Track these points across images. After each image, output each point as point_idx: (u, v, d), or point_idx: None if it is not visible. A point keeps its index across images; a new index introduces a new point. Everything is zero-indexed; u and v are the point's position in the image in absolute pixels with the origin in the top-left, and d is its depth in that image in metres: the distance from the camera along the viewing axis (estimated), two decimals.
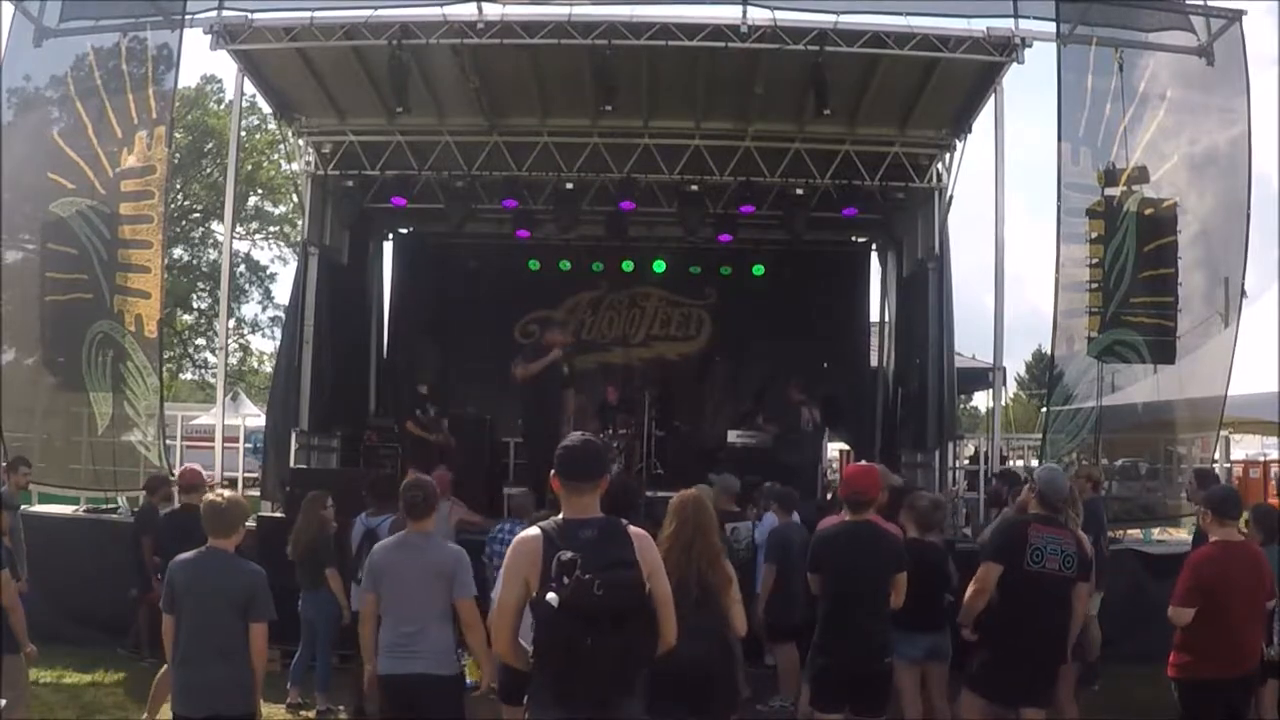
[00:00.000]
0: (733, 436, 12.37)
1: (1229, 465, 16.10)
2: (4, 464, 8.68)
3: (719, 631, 4.59)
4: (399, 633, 4.75)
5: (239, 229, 31.20)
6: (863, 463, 5.81)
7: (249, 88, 11.96)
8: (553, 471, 3.60)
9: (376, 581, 4.83)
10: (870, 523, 5.33)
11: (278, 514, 9.56)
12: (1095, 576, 6.23)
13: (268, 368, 29.84)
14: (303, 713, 7.52)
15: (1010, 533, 5.59)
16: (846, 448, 16.17)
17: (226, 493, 5.11)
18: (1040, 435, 10.79)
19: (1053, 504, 5.52)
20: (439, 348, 14.29)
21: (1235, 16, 9.86)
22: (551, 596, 3.29)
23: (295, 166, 13.16)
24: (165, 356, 21.94)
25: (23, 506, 8.59)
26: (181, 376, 34.88)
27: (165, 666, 6.46)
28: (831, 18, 9.67)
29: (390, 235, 15.10)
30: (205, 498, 5.08)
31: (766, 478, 9.01)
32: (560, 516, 3.56)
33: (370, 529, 7.19)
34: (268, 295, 34.37)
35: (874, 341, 15.49)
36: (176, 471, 8.68)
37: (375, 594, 4.84)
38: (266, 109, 20.64)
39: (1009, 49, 9.88)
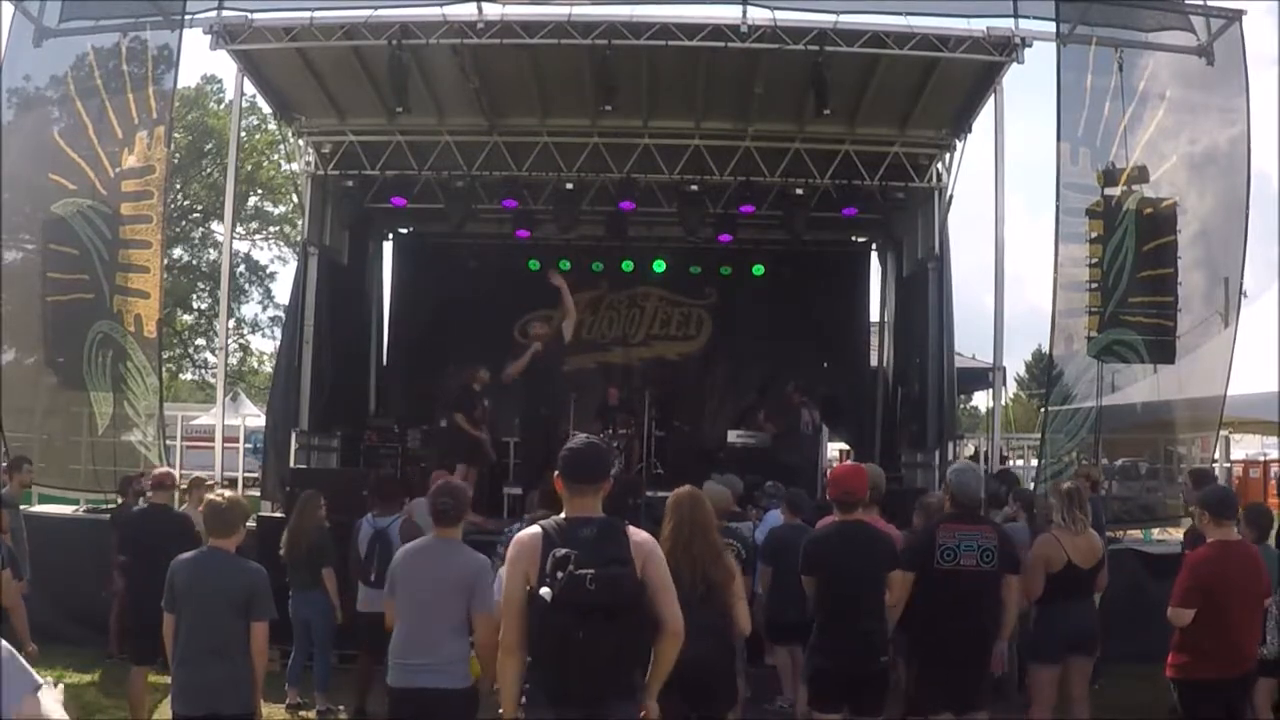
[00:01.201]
0: (733, 436, 12.38)
1: (1229, 465, 16.13)
2: (3, 464, 8.69)
3: (721, 629, 4.60)
4: (410, 643, 4.63)
5: (239, 229, 31.24)
6: (849, 463, 5.81)
7: (249, 88, 11.96)
8: (556, 472, 3.62)
9: (395, 587, 4.72)
10: (862, 522, 5.33)
11: (278, 514, 9.56)
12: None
13: (268, 368, 29.87)
14: (302, 713, 7.52)
15: (918, 537, 5.54)
16: (846, 447, 16.18)
17: (227, 493, 5.11)
18: (1040, 435, 10.80)
19: (963, 502, 5.45)
20: (439, 347, 14.30)
21: (1235, 16, 9.87)
22: (545, 591, 3.34)
23: (295, 166, 13.17)
24: (165, 356, 21.98)
25: (22, 506, 8.60)
26: (181, 376, 34.89)
27: (134, 668, 6.51)
28: (831, 18, 9.67)
29: (390, 235, 15.11)
30: (206, 498, 5.07)
31: (766, 478, 9.02)
32: (562, 515, 3.60)
33: (380, 530, 7.18)
34: (268, 295, 34.42)
35: (874, 341, 15.50)
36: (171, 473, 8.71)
37: (395, 598, 4.73)
38: (266, 109, 20.66)
39: (1009, 49, 9.88)
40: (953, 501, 5.50)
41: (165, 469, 7.53)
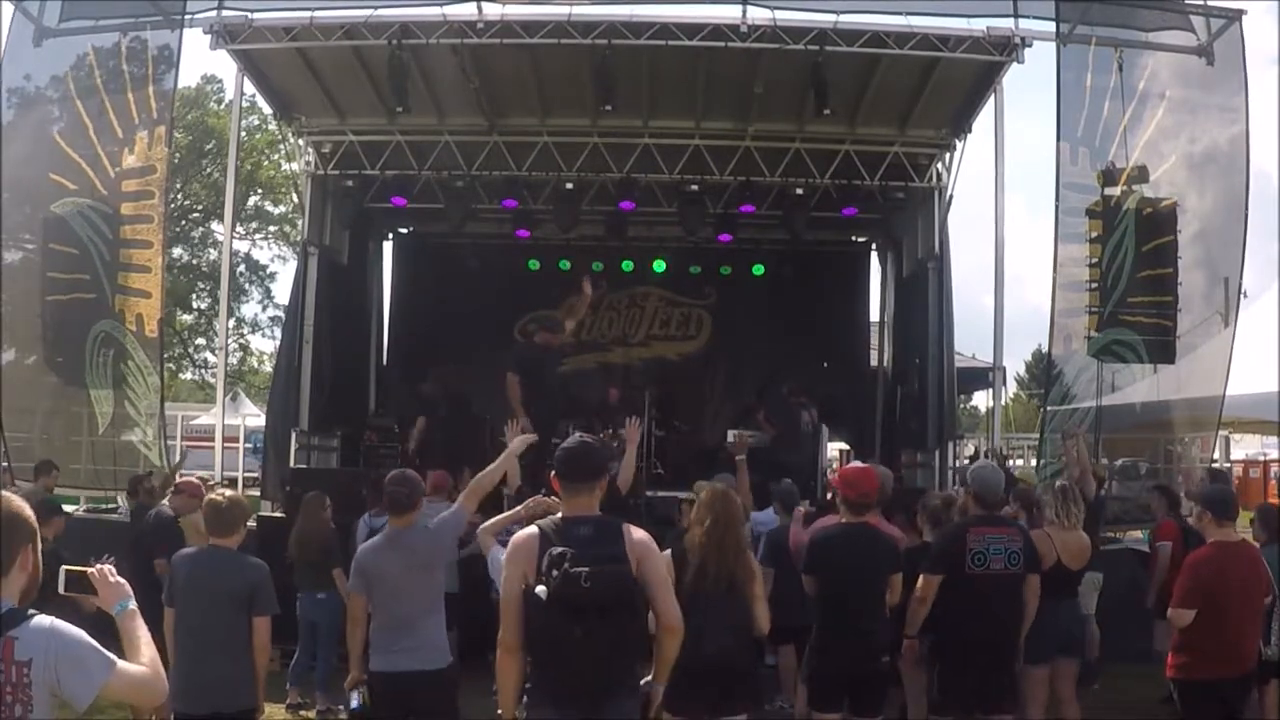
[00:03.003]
0: (732, 436, 12.35)
1: (1229, 465, 16.13)
2: (4, 464, 8.69)
3: (743, 626, 4.59)
4: (387, 630, 4.71)
5: (239, 229, 31.19)
6: (859, 464, 5.80)
7: (249, 88, 11.99)
8: (553, 472, 3.64)
9: (364, 582, 4.80)
10: (866, 524, 5.32)
11: (278, 514, 9.56)
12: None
13: (268, 368, 29.84)
14: (303, 713, 7.52)
15: (947, 540, 5.47)
16: (847, 447, 16.18)
17: (228, 492, 5.11)
18: (1040, 435, 10.80)
19: (990, 502, 5.44)
20: (439, 347, 14.31)
21: (1235, 16, 9.87)
22: (541, 589, 3.37)
23: (295, 166, 13.18)
24: (165, 356, 21.98)
25: None
26: (181, 376, 34.86)
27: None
28: (831, 18, 9.68)
29: (390, 235, 15.11)
30: (207, 497, 5.08)
31: (766, 478, 9.01)
32: (560, 515, 3.61)
33: (375, 529, 7.19)
34: (268, 295, 34.34)
35: (874, 341, 15.51)
36: (178, 473, 8.72)
37: (364, 595, 4.82)
38: (266, 109, 20.66)
39: (1009, 49, 9.89)
40: (978, 500, 5.47)
41: (190, 479, 7.60)
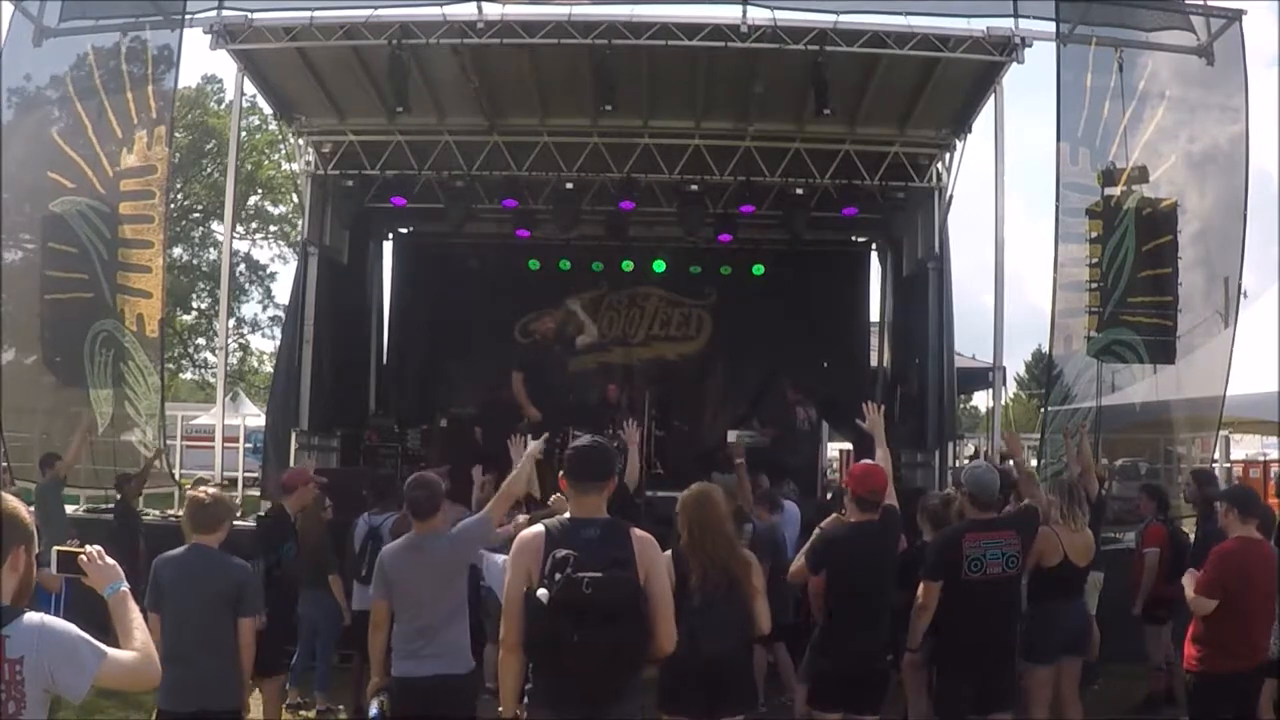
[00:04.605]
0: (732, 437, 12.37)
1: (1229, 465, 16.13)
2: (4, 464, 8.69)
3: (743, 626, 4.55)
4: (410, 637, 4.63)
5: (239, 229, 31.18)
6: (867, 461, 5.79)
7: (249, 88, 11.98)
8: (561, 471, 3.63)
9: (387, 587, 4.69)
10: (874, 522, 5.32)
11: None
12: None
13: (268, 368, 29.86)
14: (302, 712, 7.51)
15: (944, 546, 5.43)
16: (849, 446, 16.17)
17: (211, 489, 5.07)
18: (1040, 435, 10.80)
19: (985, 503, 5.41)
20: (439, 347, 14.31)
21: (1235, 16, 9.87)
22: (542, 592, 3.36)
23: (295, 166, 13.17)
24: (165, 356, 21.95)
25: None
26: (181, 376, 34.86)
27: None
28: (831, 17, 9.67)
29: (390, 235, 15.12)
30: (189, 494, 5.05)
31: (766, 477, 9.02)
32: (566, 515, 3.60)
33: (374, 528, 7.19)
34: (268, 295, 34.34)
35: (874, 341, 15.50)
36: (177, 473, 8.76)
37: (386, 600, 4.70)
38: (267, 109, 20.67)
39: (1009, 49, 9.89)
40: (972, 501, 5.44)
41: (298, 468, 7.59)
